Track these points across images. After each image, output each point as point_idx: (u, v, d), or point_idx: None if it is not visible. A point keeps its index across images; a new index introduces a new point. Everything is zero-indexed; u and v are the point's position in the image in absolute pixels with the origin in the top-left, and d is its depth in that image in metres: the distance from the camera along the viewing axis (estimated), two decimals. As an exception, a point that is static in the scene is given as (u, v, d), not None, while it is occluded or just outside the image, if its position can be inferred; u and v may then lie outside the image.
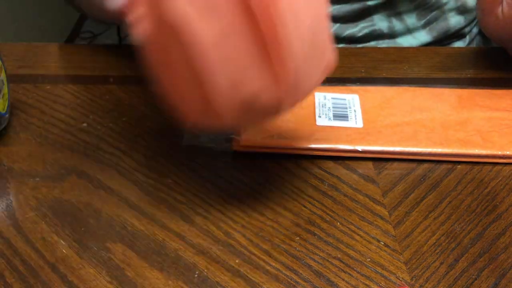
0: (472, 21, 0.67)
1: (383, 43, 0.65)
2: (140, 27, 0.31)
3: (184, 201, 0.40)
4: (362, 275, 0.35)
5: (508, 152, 0.43)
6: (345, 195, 0.41)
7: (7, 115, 0.46)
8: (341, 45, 0.64)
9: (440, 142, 0.44)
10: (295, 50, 0.29)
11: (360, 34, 0.63)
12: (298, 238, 0.37)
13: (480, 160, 0.43)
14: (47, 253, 0.36)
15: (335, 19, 0.62)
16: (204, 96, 0.30)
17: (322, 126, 0.45)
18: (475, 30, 0.69)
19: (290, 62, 0.29)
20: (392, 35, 0.65)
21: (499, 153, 0.43)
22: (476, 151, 0.43)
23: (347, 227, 0.38)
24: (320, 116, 0.46)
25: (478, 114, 0.46)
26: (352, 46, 0.64)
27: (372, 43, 0.65)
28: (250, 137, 0.44)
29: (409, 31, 0.65)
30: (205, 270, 0.35)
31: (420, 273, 0.35)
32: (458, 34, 0.67)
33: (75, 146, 0.45)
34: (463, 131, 0.45)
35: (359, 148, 0.43)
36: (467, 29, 0.67)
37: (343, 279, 0.35)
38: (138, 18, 0.30)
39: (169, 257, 0.36)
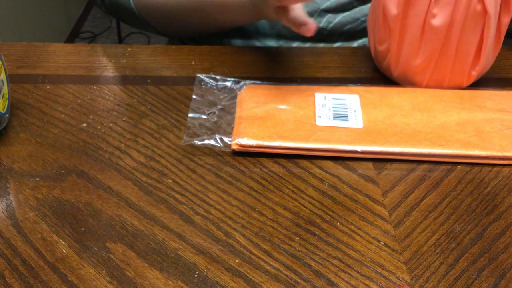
0: None
1: None
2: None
3: (184, 201, 0.40)
4: (362, 275, 0.35)
5: (508, 154, 0.43)
6: (345, 195, 0.41)
7: (7, 115, 0.46)
8: (340, 43, 0.64)
9: (440, 143, 0.43)
10: None
11: (360, 28, 0.63)
12: (298, 238, 0.37)
13: (479, 161, 0.43)
14: (47, 253, 0.36)
15: (335, 11, 0.62)
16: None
17: (322, 126, 0.45)
18: None
19: None
20: None
21: (499, 154, 0.43)
22: (476, 152, 0.43)
23: (347, 227, 0.38)
24: (320, 116, 0.46)
25: (478, 115, 0.46)
26: (352, 42, 0.64)
27: None
28: (250, 137, 0.44)
29: None
30: (205, 270, 0.35)
31: (420, 273, 0.35)
32: None
33: (75, 146, 0.45)
34: (463, 132, 0.45)
35: (358, 148, 0.43)
36: None
37: (343, 279, 0.35)
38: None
39: (169, 257, 0.36)
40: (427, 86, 0.50)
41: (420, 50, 0.48)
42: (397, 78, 0.51)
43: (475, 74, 0.49)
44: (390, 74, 0.51)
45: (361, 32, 0.64)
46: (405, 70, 0.49)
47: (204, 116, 0.47)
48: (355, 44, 0.64)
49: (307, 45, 0.63)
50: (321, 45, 0.64)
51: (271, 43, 0.63)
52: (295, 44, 0.63)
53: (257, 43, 0.63)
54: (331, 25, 0.62)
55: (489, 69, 0.51)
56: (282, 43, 0.63)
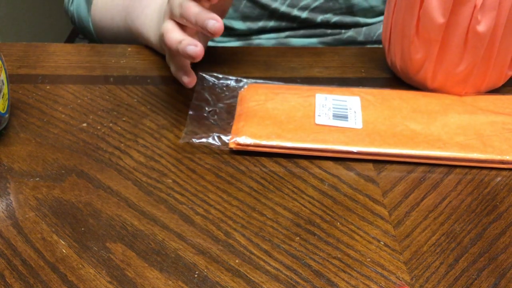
0: None
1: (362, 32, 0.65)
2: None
3: (184, 201, 0.40)
4: (362, 275, 0.35)
5: (507, 157, 0.42)
6: (345, 195, 0.41)
7: (7, 115, 0.46)
8: (328, 38, 0.64)
9: (438, 145, 0.43)
10: None
11: (335, 19, 0.63)
12: (298, 238, 0.37)
13: (478, 164, 0.43)
14: (47, 253, 0.36)
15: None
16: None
17: (321, 125, 0.45)
18: None
19: None
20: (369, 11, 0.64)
21: (498, 157, 0.42)
22: (475, 156, 0.43)
23: (347, 227, 0.38)
24: (319, 115, 0.46)
25: (480, 117, 0.46)
26: (334, 31, 0.64)
27: (350, 33, 0.65)
28: (248, 136, 0.44)
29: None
30: (205, 270, 0.35)
31: (420, 273, 0.35)
32: None
33: (75, 146, 0.45)
34: (464, 135, 0.44)
35: (355, 149, 0.43)
36: None
37: (343, 279, 0.35)
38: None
39: (169, 257, 0.36)
40: (465, 93, 0.49)
41: (463, 58, 0.46)
42: (434, 88, 0.49)
43: (510, 73, 0.49)
44: (424, 85, 0.50)
45: (338, 23, 0.64)
46: (446, 79, 0.48)
47: (204, 114, 0.47)
48: (329, 35, 0.64)
49: (271, 23, 0.64)
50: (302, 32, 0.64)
51: (238, 24, 0.63)
52: (260, 23, 0.64)
53: (225, 22, 0.64)
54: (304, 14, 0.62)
55: None
56: (249, 24, 0.63)
